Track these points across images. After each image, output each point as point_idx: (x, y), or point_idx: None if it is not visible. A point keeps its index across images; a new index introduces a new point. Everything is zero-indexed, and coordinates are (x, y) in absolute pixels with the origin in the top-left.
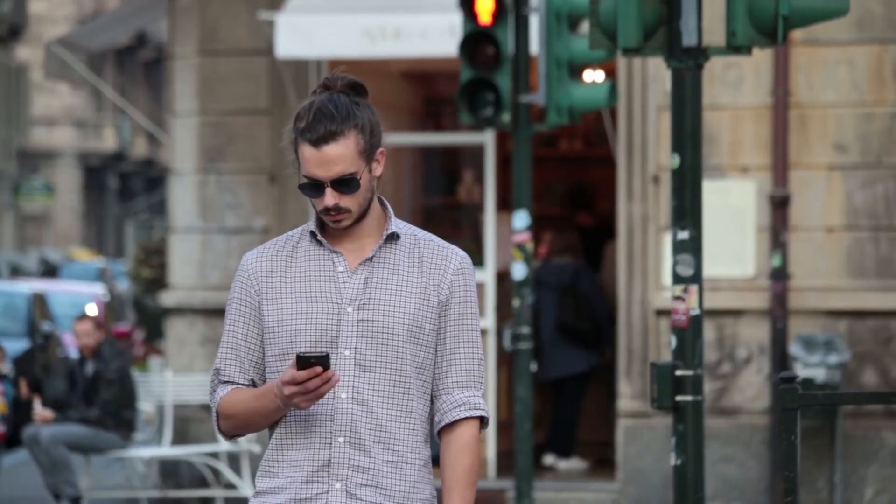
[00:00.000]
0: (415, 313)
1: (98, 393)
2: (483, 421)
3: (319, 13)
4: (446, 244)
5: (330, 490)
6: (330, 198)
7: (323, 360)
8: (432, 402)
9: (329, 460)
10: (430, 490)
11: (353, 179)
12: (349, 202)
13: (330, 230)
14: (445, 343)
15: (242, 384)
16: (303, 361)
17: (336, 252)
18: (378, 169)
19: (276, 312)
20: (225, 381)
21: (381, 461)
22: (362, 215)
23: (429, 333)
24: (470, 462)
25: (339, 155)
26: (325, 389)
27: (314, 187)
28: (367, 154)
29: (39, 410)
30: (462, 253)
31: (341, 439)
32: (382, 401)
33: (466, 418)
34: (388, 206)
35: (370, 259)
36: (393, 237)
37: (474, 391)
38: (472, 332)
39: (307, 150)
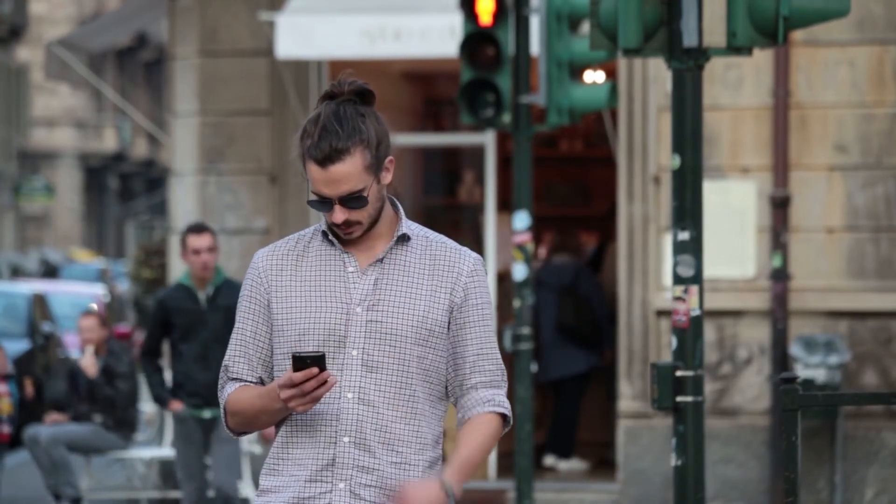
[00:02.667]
0: (424, 315)
1: (109, 387)
2: (505, 420)
3: (319, 13)
4: (459, 246)
5: (334, 489)
6: (339, 214)
7: (319, 360)
8: (455, 402)
9: (333, 460)
10: None
11: (361, 196)
12: (358, 216)
13: None
14: (467, 345)
15: (250, 381)
16: (298, 361)
17: (347, 252)
18: (387, 177)
19: (285, 311)
20: (233, 378)
21: (386, 462)
22: (373, 222)
23: (438, 336)
24: (481, 442)
25: (346, 174)
26: (321, 392)
27: (323, 203)
28: (375, 167)
29: (87, 360)
30: (475, 255)
31: (346, 439)
32: (388, 402)
33: (490, 412)
34: (400, 208)
35: (381, 260)
36: (404, 238)
37: (498, 391)
38: (491, 334)
39: (313, 169)
